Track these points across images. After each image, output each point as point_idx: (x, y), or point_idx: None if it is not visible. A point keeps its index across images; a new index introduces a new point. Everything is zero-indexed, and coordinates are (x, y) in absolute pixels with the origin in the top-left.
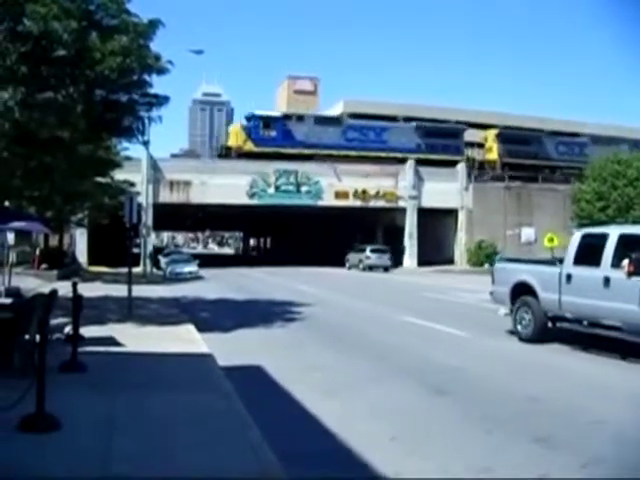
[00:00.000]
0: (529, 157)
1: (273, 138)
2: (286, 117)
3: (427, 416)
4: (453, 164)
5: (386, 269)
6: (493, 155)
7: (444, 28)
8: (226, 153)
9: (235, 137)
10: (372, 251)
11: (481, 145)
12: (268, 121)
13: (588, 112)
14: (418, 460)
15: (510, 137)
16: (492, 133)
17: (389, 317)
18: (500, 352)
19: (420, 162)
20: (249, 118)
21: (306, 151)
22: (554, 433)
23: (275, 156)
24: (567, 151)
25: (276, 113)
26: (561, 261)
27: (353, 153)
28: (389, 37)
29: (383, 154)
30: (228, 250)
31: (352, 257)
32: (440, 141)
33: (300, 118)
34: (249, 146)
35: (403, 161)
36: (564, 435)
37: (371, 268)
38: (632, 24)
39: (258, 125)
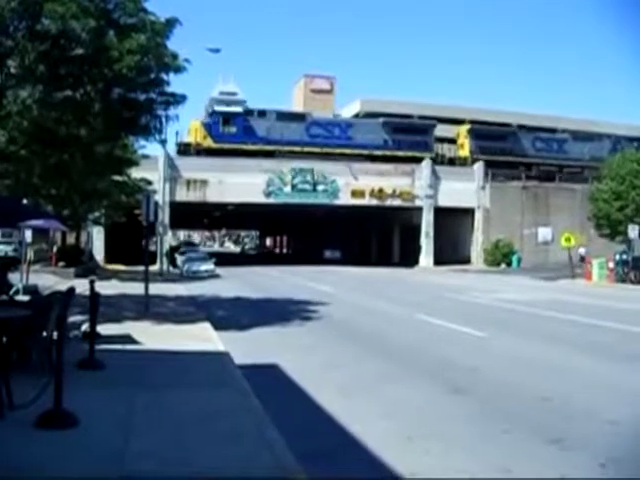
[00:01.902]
0: (503, 154)
1: (233, 134)
2: (247, 113)
3: (444, 415)
4: (420, 160)
5: (338, 262)
6: (464, 152)
7: (461, 26)
8: (184, 150)
9: (195, 133)
10: (326, 248)
11: (454, 141)
12: (228, 117)
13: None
14: (435, 459)
15: (483, 133)
16: (464, 129)
17: (405, 316)
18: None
19: (386, 159)
20: (210, 114)
21: (267, 147)
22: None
23: (235, 152)
24: (545, 147)
25: (237, 109)
26: None
27: (316, 150)
28: (407, 35)
29: (348, 150)
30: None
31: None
32: (408, 137)
33: (262, 114)
34: (208, 142)
35: (370, 158)
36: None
37: (327, 261)
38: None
39: (218, 121)
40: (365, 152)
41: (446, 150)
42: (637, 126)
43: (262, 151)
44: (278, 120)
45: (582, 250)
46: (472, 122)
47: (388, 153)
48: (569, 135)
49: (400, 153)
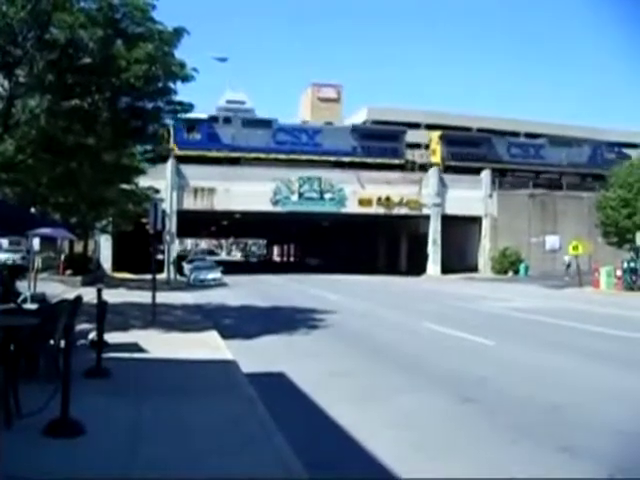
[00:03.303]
0: (477, 160)
1: (198, 141)
2: (212, 119)
3: (453, 425)
4: (390, 167)
5: (316, 267)
6: (436, 158)
7: (470, 32)
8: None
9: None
10: (309, 256)
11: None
12: (193, 124)
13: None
14: (443, 468)
15: (456, 139)
16: (436, 135)
17: (413, 324)
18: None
19: (355, 165)
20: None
21: (232, 154)
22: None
23: (199, 160)
24: (520, 153)
25: (202, 115)
26: None
27: (283, 156)
28: (415, 42)
29: (316, 157)
30: (251, 257)
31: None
32: (377, 144)
33: (227, 120)
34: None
35: (337, 165)
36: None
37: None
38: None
39: (182, 128)
40: (332, 159)
41: (417, 157)
42: (619, 131)
43: (227, 158)
44: (244, 127)
45: (566, 258)
46: (480, 130)
47: (356, 160)
48: (546, 140)
49: (369, 160)
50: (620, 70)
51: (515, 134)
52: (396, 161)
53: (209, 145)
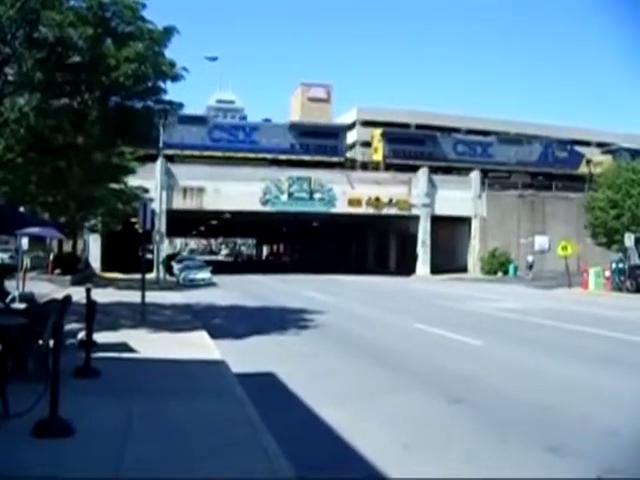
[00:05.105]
0: (421, 158)
1: None
2: None
3: (441, 425)
4: (329, 165)
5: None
6: (378, 156)
7: (461, 33)
8: None
9: None
10: (271, 255)
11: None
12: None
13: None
14: (431, 468)
15: (399, 136)
16: (378, 132)
17: (403, 325)
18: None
19: (292, 163)
20: None
21: (167, 152)
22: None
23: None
24: (467, 151)
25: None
26: None
27: (219, 154)
28: (406, 42)
29: (252, 155)
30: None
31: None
32: (316, 141)
33: None
34: None
35: (275, 162)
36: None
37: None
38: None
39: None
40: (270, 156)
41: (359, 154)
42: (574, 128)
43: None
44: (179, 123)
45: (530, 258)
46: (469, 131)
47: (294, 157)
48: (494, 138)
49: (306, 157)
50: (619, 70)
51: (506, 134)
52: (335, 159)
53: None
